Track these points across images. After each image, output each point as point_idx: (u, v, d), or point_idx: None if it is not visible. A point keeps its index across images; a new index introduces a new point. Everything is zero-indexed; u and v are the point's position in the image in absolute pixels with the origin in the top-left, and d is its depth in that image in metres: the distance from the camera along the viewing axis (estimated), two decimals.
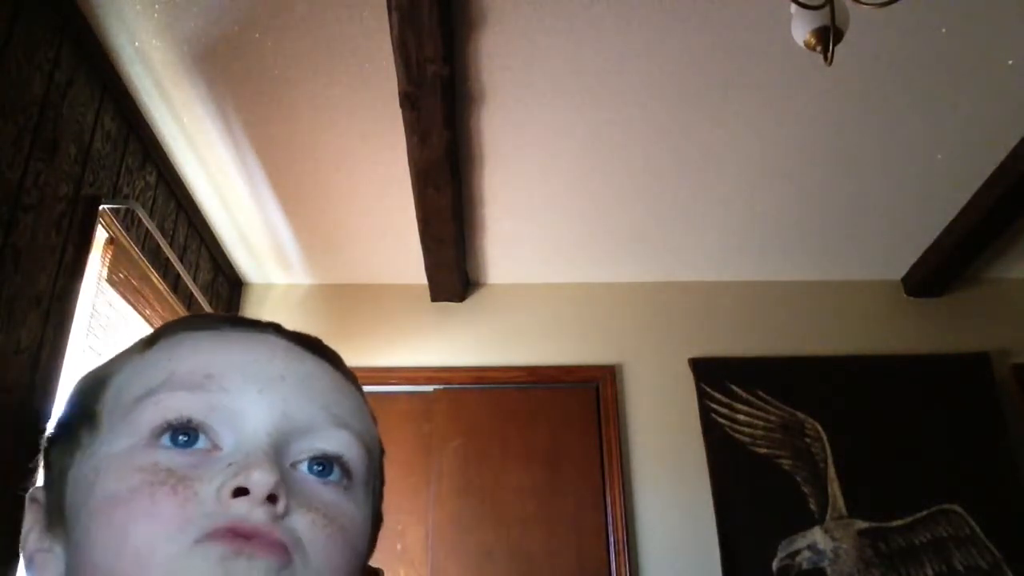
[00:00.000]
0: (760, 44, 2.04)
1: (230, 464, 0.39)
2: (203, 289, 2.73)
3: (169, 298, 2.40)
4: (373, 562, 0.58)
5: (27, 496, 0.46)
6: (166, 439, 0.40)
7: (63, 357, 1.81)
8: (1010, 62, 2.12)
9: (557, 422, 2.93)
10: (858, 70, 2.13)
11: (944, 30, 2.01)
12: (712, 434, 2.88)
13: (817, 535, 2.72)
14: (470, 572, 2.69)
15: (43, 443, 0.47)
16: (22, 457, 1.53)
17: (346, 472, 0.44)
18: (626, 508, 2.78)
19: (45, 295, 1.77)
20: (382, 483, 0.52)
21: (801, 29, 1.58)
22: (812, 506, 2.77)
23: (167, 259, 2.40)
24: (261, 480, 0.38)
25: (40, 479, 0.46)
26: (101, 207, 1.97)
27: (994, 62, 2.12)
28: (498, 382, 3.01)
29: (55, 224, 1.81)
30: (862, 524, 2.74)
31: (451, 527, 2.75)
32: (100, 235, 2.05)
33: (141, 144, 2.26)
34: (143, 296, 2.27)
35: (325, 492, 0.42)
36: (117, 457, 0.40)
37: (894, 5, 1.54)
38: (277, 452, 0.41)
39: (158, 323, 2.36)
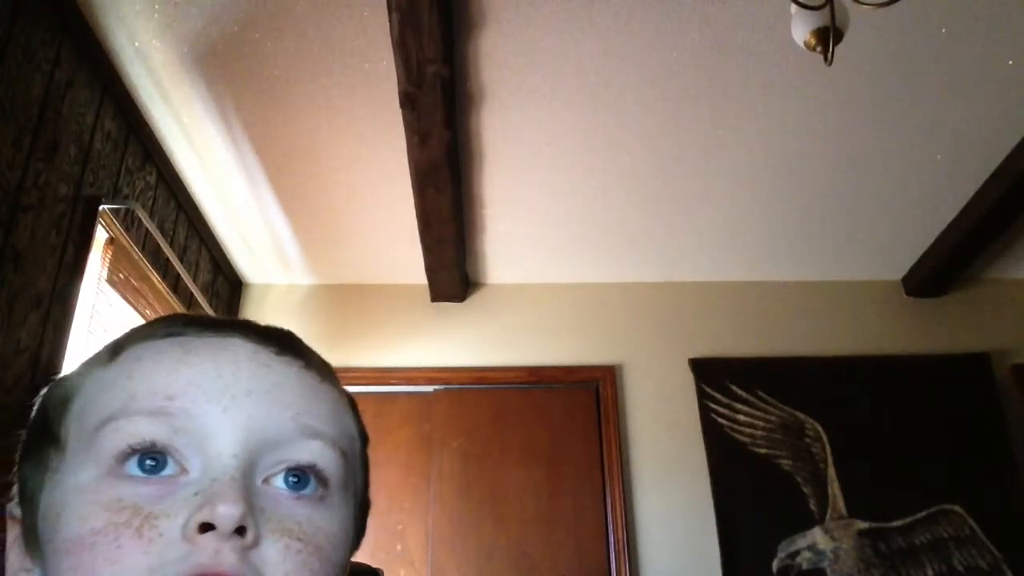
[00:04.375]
0: (760, 44, 2.04)
1: (196, 493, 0.39)
2: (203, 289, 2.72)
3: (169, 298, 2.40)
4: (373, 562, 0.59)
5: (6, 510, 0.45)
6: (132, 465, 0.39)
7: (63, 357, 1.81)
8: (1010, 62, 2.12)
9: (557, 422, 2.93)
10: (858, 70, 2.13)
11: (944, 30, 2.01)
12: (712, 434, 2.88)
13: (817, 535, 2.72)
14: (470, 572, 2.69)
15: (16, 456, 0.46)
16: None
17: (322, 481, 0.43)
18: (626, 508, 2.78)
19: (45, 295, 1.77)
20: (366, 471, 0.51)
21: (801, 29, 1.58)
22: (812, 506, 2.77)
23: (167, 259, 2.40)
24: (227, 514, 0.37)
25: (16, 493, 0.45)
26: (101, 207, 1.98)
27: (994, 62, 2.12)
28: (498, 382, 3.01)
29: (55, 224, 1.81)
30: (862, 524, 2.74)
31: (451, 527, 2.75)
32: (100, 235, 2.05)
33: (141, 144, 2.26)
34: (143, 296, 2.26)
35: (299, 509, 0.41)
36: (82, 490, 0.39)
37: (894, 5, 1.54)
38: (246, 472, 0.40)
39: None
